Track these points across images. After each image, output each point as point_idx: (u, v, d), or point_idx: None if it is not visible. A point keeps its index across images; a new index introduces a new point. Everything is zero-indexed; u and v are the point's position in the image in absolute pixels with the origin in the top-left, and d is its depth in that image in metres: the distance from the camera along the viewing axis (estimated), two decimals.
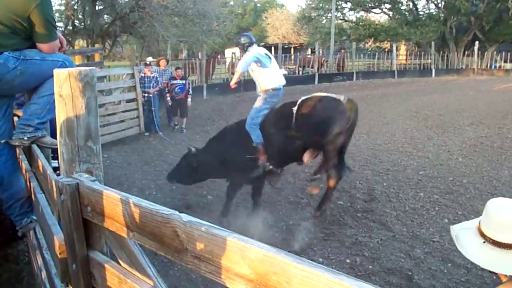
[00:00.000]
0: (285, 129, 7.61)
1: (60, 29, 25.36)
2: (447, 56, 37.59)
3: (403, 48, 43.85)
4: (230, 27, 31.27)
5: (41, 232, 3.80)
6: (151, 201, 1.84)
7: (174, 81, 15.22)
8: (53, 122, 3.60)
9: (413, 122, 16.14)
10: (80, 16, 26.61)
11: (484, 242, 2.37)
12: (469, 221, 2.61)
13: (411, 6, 43.58)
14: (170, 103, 15.40)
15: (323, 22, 43.39)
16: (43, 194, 3.46)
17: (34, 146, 3.93)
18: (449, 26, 39.97)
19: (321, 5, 42.21)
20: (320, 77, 30.31)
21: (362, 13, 44.51)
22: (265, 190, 9.22)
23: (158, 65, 16.27)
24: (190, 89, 15.61)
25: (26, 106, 3.94)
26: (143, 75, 14.76)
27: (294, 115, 7.54)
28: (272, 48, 38.26)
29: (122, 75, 15.62)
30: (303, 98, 7.80)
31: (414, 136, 14.00)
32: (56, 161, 3.38)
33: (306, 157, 7.84)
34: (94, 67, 2.63)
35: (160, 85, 14.94)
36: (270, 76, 7.85)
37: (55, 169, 4.20)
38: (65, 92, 2.45)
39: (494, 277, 5.78)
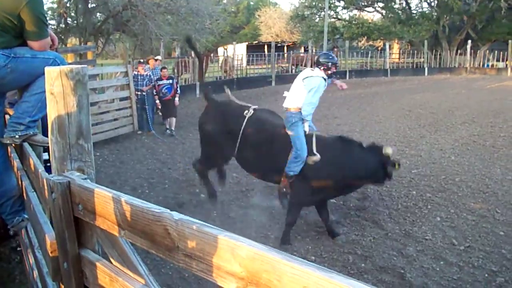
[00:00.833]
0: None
1: (53, 27, 25.31)
2: (440, 54, 37.67)
3: (396, 47, 43.90)
4: (223, 26, 31.29)
5: (32, 230, 3.79)
6: (143, 199, 1.84)
7: (161, 82, 14.92)
8: (45, 120, 3.59)
9: (406, 121, 16.18)
10: (72, 14, 26.58)
11: None
12: None
13: (404, 5, 43.66)
14: (159, 106, 15.14)
15: (316, 20, 43.37)
16: (34, 193, 3.45)
17: (26, 144, 3.92)
18: (442, 25, 40.03)
19: (314, 3, 42.17)
20: None
21: (355, 11, 44.51)
22: (257, 189, 9.24)
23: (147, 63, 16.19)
24: (178, 89, 15.35)
25: (17, 104, 3.92)
26: (136, 73, 14.71)
27: None
28: (265, 46, 38.32)
29: (115, 73, 15.57)
30: None
31: (406, 135, 14.03)
32: (47, 153, 3.35)
33: None
34: (86, 65, 2.63)
35: (153, 83, 14.83)
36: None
37: (46, 162, 4.19)
38: (57, 90, 2.44)
39: (486, 275, 5.81)
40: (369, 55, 36.50)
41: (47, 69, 2.49)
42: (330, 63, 7.48)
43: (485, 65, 37.91)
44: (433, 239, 7.17)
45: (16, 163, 4.15)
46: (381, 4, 42.98)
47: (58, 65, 3.40)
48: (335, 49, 34.29)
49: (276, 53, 31.28)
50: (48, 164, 2.78)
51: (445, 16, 39.75)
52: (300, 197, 7.16)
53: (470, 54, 37.31)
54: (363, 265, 6.36)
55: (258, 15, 60.32)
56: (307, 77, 7.29)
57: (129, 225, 1.86)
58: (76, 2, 25.33)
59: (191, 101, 20.74)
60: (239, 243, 1.35)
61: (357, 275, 6.03)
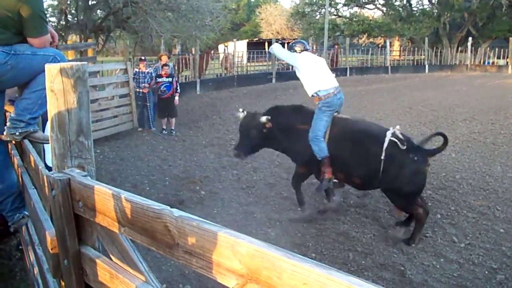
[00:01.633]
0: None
1: (53, 24, 25.30)
2: (440, 52, 37.63)
3: (396, 44, 43.87)
4: (224, 23, 31.18)
5: (33, 227, 3.80)
6: (144, 196, 1.84)
7: (160, 79, 14.66)
8: (45, 117, 3.59)
9: (406, 118, 16.16)
10: (73, 11, 26.51)
11: None
12: None
13: (404, 2, 43.61)
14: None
15: (317, 17, 43.35)
16: (35, 190, 3.46)
17: (26, 141, 3.93)
18: (442, 22, 39.99)
19: (314, 0, 42.15)
20: None
21: (356, 8, 44.53)
22: (258, 186, 9.25)
23: (159, 60, 16.13)
24: (178, 87, 15.07)
25: (17, 101, 3.93)
26: (137, 70, 14.68)
27: None
28: (266, 43, 38.26)
29: (115, 70, 15.56)
30: None
31: (407, 132, 13.99)
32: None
33: None
34: (86, 62, 2.62)
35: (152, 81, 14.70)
36: (315, 80, 7.59)
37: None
38: (57, 87, 2.44)
39: (486, 272, 5.82)
40: (370, 52, 36.46)
41: (47, 66, 2.50)
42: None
43: (486, 63, 37.90)
44: (433, 236, 7.17)
45: (16, 160, 4.16)
46: (381, 1, 42.99)
47: (59, 62, 3.40)
48: (336, 46, 34.28)
49: None
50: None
51: (445, 13, 39.69)
52: None
53: (471, 52, 37.27)
54: (363, 262, 6.37)
55: (259, 12, 60.24)
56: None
57: (129, 222, 1.86)
58: None
59: (191, 98, 20.72)
60: (239, 240, 1.35)
61: (357, 272, 6.04)
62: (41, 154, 4.36)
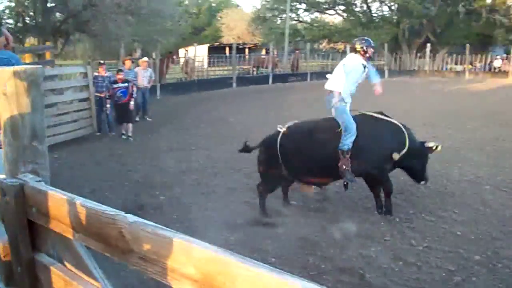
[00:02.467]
0: None
1: (10, 26, 24.89)
2: (400, 57, 38.24)
3: None
4: (185, 27, 31.12)
5: None
6: (102, 202, 1.81)
7: (116, 85, 14.28)
8: None
9: None
10: (31, 13, 26.14)
11: None
12: None
13: (365, 8, 44.11)
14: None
15: (278, 22, 43.58)
16: None
17: None
18: (402, 28, 40.64)
19: (276, 5, 42.34)
20: (274, 77, 30.46)
21: (316, 14, 44.93)
22: (218, 190, 9.21)
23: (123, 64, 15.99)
24: (134, 93, 14.67)
25: None
26: (97, 74, 14.51)
27: None
28: (227, 48, 38.29)
29: (74, 73, 15.36)
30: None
31: None
32: None
33: None
34: (40, 66, 2.58)
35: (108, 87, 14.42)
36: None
37: None
38: (9, 91, 2.39)
39: (444, 274, 5.90)
40: (330, 57, 36.83)
41: None
42: (365, 46, 7.99)
43: (444, 68, 38.81)
44: (392, 239, 7.22)
45: None
46: (342, 7, 43.39)
47: (13, 65, 3.34)
48: (297, 51, 34.50)
49: (238, 55, 31.31)
50: None
51: (405, 19, 40.37)
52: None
53: (429, 57, 38.04)
54: (323, 266, 6.38)
55: (220, 17, 60.27)
56: (346, 63, 8.03)
57: (84, 228, 1.83)
58: (35, 1, 24.94)
59: (151, 103, 20.56)
60: (193, 245, 1.34)
61: (317, 276, 6.04)
62: None
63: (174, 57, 28.79)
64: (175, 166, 11.08)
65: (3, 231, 2.55)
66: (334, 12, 44.73)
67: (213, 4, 69.46)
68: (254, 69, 32.60)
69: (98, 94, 14.36)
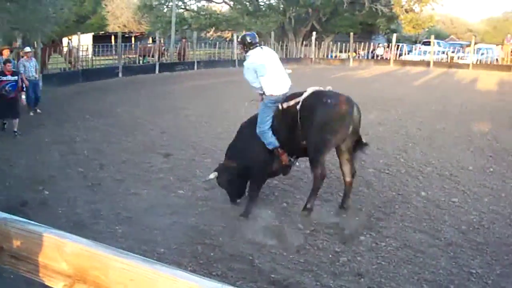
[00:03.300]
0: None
1: None
2: (286, 45, 38.91)
3: None
4: (68, 15, 30.05)
5: None
6: None
7: (4, 78, 13.03)
8: None
9: (253, 110, 16.45)
10: None
11: None
12: None
13: None
14: None
15: (165, 11, 43.00)
16: None
17: None
18: (288, 17, 41.30)
19: None
20: (161, 66, 30.13)
21: (203, 2, 44.74)
22: (105, 183, 9.05)
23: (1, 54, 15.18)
24: (24, 86, 13.87)
25: None
26: None
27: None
28: (112, 37, 37.43)
29: None
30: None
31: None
32: None
33: None
34: None
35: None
36: (271, 83, 7.65)
37: None
38: None
39: (330, 256, 6.11)
40: (217, 46, 36.89)
41: None
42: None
43: (329, 56, 39.99)
44: (280, 224, 7.38)
45: None
46: None
47: None
48: (184, 40, 34.31)
49: (123, 44, 30.71)
50: None
51: (291, 8, 41.05)
52: None
53: (315, 45, 39.05)
54: (212, 254, 6.43)
55: (105, 5, 58.67)
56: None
57: None
58: None
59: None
60: (65, 240, 1.33)
61: (206, 265, 6.09)
62: None
63: (58, 46, 27.82)
64: (60, 159, 10.76)
65: None
66: (221, 1, 44.67)
67: None
68: (141, 58, 32.12)
69: None
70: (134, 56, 32.98)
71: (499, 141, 12.63)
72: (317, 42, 39.18)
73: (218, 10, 45.43)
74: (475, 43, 38.30)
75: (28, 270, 1.47)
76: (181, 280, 1.13)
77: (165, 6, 43.04)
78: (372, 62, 39.01)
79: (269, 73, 7.62)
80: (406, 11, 42.66)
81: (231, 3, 43.85)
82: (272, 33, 38.13)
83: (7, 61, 13.74)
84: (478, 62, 35.84)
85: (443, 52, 39.85)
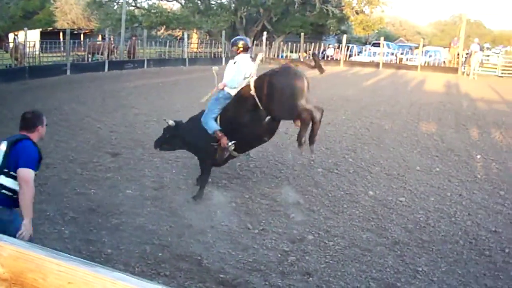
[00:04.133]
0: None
1: None
2: None
3: (195, 37, 44.51)
4: (15, 10, 29.46)
5: None
6: None
7: None
8: None
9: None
10: None
11: None
12: None
13: None
14: None
15: (115, 8, 42.48)
16: None
17: None
18: (239, 16, 41.43)
19: None
20: (111, 64, 29.73)
21: (154, 0, 44.41)
22: (50, 182, 8.87)
23: None
24: None
25: None
26: None
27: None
28: (61, 33, 36.79)
29: None
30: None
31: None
32: None
33: None
34: None
35: None
36: (235, 84, 8.26)
37: None
38: None
39: (279, 255, 6.11)
40: (168, 44, 36.69)
41: None
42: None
43: (280, 56, 40.21)
44: (229, 224, 7.39)
45: None
46: None
47: None
48: (134, 38, 33.96)
49: (72, 41, 30.18)
50: None
51: (242, 7, 41.18)
52: None
53: (266, 45, 39.20)
54: (160, 254, 6.38)
55: (53, 1, 57.66)
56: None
57: None
58: None
59: None
60: (1, 242, 1.29)
61: (155, 265, 6.05)
62: None
63: (4, 42, 27.16)
64: None
65: None
66: None
67: None
68: (90, 55, 31.65)
69: None
70: (83, 53, 32.43)
71: (445, 141, 12.95)
72: (268, 42, 39.39)
73: (169, 8, 45.11)
74: (424, 46, 39.30)
75: None
76: (121, 283, 1.10)
77: (115, 3, 42.53)
78: (322, 62, 39.26)
79: (241, 78, 8.19)
80: (357, 13, 43.22)
81: (182, 1, 43.64)
82: (223, 32, 38.12)
83: None
84: (426, 64, 36.79)
85: (392, 54, 40.77)
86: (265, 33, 39.50)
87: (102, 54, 31.10)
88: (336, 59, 39.88)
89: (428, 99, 20.64)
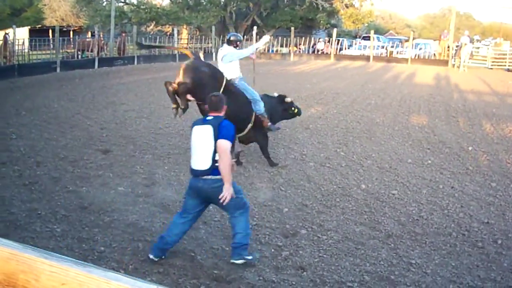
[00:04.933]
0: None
1: None
2: None
3: (185, 32, 44.41)
4: (2, 7, 29.27)
5: None
6: None
7: None
8: None
9: (193, 105, 16.39)
10: None
11: None
12: None
13: None
14: None
15: (104, 4, 42.40)
16: None
17: None
18: (229, 11, 41.49)
19: None
20: (100, 61, 29.57)
21: None
22: (41, 181, 8.81)
23: None
24: None
25: None
26: None
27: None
28: (50, 31, 36.61)
29: None
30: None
31: (194, 118, 14.22)
32: None
33: None
34: None
35: None
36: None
37: None
38: None
39: (273, 250, 6.10)
40: (158, 40, 36.61)
41: None
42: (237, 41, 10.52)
43: (270, 51, 40.22)
44: (221, 220, 7.37)
45: None
46: None
47: None
48: (123, 34, 33.84)
49: (61, 38, 30.02)
50: None
51: (232, 2, 41.24)
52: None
53: (256, 40, 39.05)
54: None
55: None
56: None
57: None
58: None
59: None
60: None
61: (147, 262, 6.02)
62: None
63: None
64: None
65: None
66: None
67: None
68: (79, 52, 31.50)
69: None
70: (73, 50, 32.28)
71: (436, 134, 12.99)
72: (258, 37, 39.19)
73: (158, 4, 44.99)
74: (413, 38, 39.43)
75: None
76: (114, 283, 1.09)
77: (104, 0, 42.44)
78: (312, 56, 39.58)
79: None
80: (346, 6, 43.24)
81: None
82: (213, 28, 38.11)
83: None
84: (416, 57, 36.94)
85: (383, 47, 40.87)
86: (255, 27, 39.34)
87: (91, 51, 30.96)
88: (327, 53, 40.05)
89: (418, 92, 20.68)
